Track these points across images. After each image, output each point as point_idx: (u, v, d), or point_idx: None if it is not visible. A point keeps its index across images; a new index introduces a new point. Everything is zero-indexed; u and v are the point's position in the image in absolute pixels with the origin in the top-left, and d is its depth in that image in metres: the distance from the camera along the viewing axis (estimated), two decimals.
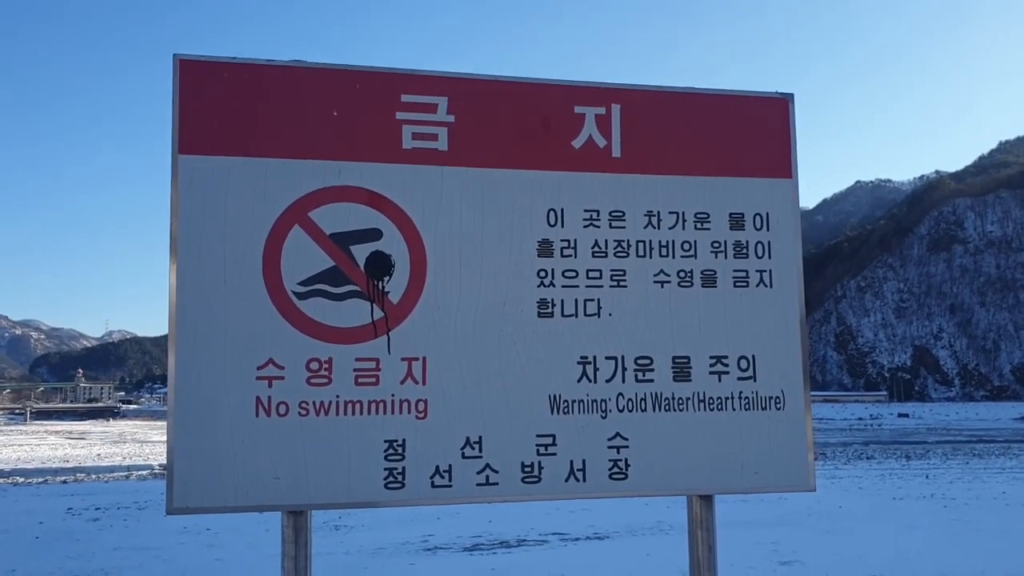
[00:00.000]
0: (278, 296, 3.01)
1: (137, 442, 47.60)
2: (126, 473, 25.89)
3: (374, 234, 3.10)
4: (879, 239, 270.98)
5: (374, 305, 3.07)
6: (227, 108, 3.06)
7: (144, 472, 25.60)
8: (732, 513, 13.09)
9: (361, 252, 3.08)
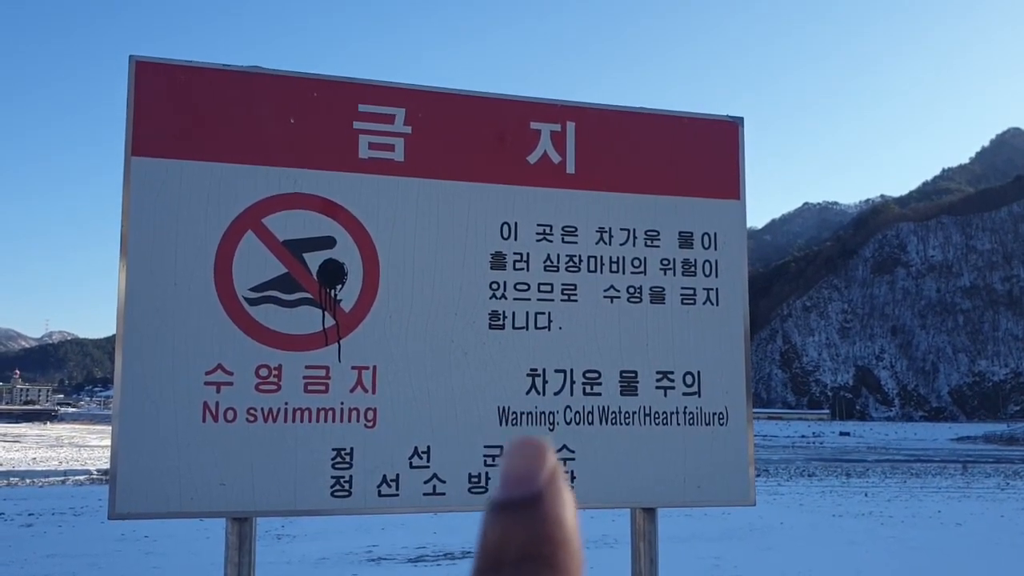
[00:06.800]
0: (229, 301, 2.99)
1: (75, 446, 46.48)
2: (62, 478, 25.25)
3: (328, 242, 3.10)
4: (825, 260, 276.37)
5: (326, 313, 3.07)
6: (182, 111, 3.04)
7: (81, 477, 24.99)
8: (675, 528, 13.22)
9: (314, 260, 3.08)
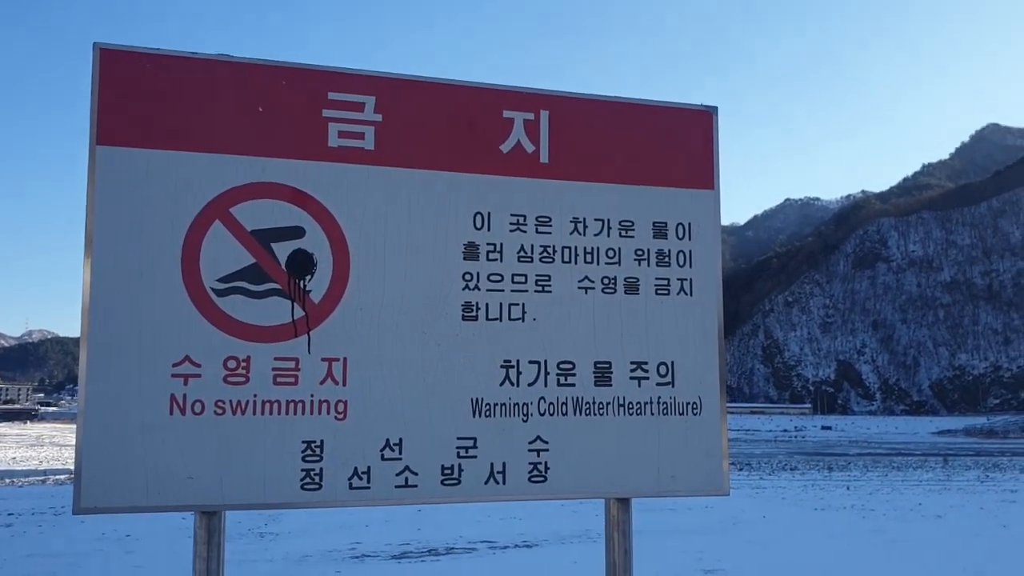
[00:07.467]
0: (196, 292, 2.95)
1: (55, 445, 46.14)
2: (42, 477, 25.07)
3: (297, 232, 3.06)
4: (806, 256, 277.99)
5: (295, 304, 3.03)
6: (148, 100, 2.99)
7: (62, 476, 24.81)
8: (658, 522, 13.26)
9: (283, 250, 3.04)
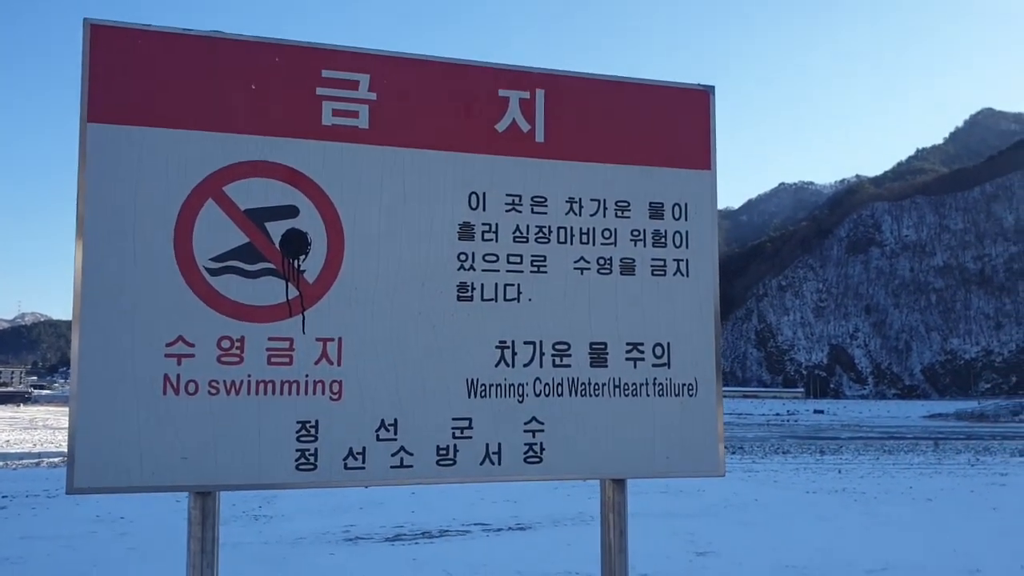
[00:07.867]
0: (189, 272, 2.93)
1: (49, 428, 46.06)
2: (36, 460, 25.03)
3: (290, 211, 3.05)
4: (800, 240, 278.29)
5: (289, 284, 3.02)
6: (140, 77, 2.96)
7: (56, 459, 24.76)
8: (651, 504, 13.30)
9: (276, 229, 3.02)
